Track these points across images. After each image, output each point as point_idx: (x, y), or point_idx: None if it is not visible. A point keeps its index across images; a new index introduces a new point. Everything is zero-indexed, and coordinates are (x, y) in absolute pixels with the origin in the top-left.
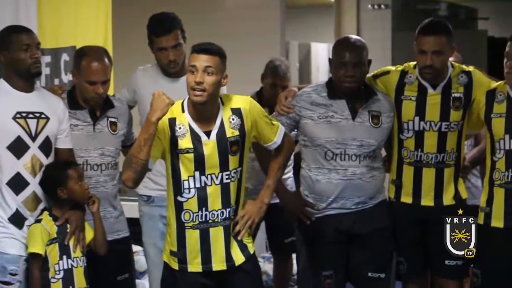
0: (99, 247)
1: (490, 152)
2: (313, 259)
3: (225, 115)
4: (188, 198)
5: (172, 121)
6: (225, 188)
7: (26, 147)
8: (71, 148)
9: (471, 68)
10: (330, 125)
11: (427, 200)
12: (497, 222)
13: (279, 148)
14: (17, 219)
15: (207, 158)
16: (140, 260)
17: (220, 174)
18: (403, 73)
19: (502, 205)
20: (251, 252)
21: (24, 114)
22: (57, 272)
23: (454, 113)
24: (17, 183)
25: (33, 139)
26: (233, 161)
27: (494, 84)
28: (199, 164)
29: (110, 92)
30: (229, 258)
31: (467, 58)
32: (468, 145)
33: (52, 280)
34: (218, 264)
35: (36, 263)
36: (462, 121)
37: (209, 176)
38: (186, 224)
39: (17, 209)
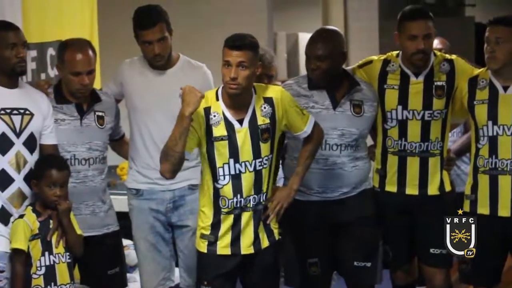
0: (74, 250)
1: (475, 140)
2: (298, 246)
3: (257, 104)
4: (223, 185)
5: (207, 110)
6: (258, 175)
7: (10, 144)
8: (55, 144)
9: (453, 56)
10: None
11: (412, 189)
12: (483, 209)
13: (309, 137)
14: (2, 216)
15: (241, 146)
16: (130, 254)
17: (254, 161)
18: (386, 62)
19: (487, 192)
20: (276, 238)
21: (8, 111)
22: (39, 268)
23: (437, 102)
24: (2, 180)
25: (18, 135)
26: (265, 148)
27: (477, 71)
28: (233, 151)
29: (97, 86)
30: (257, 242)
31: (455, 45)
32: (458, 132)
33: (34, 276)
34: (246, 248)
35: (18, 259)
36: (446, 109)
37: (243, 164)
38: (222, 210)
39: (2, 206)
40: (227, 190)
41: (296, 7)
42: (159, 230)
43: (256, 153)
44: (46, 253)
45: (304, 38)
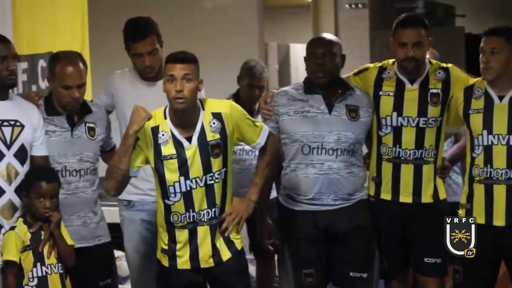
0: (65, 261)
1: (470, 149)
2: (293, 256)
3: (205, 120)
4: (175, 202)
5: (155, 129)
6: (209, 189)
7: (1, 155)
8: (46, 156)
9: (449, 65)
10: (306, 119)
11: (405, 197)
12: (478, 218)
13: (263, 148)
14: None
15: (190, 163)
16: (122, 265)
17: (204, 177)
18: (382, 69)
19: (482, 201)
20: (239, 248)
21: None
22: (31, 280)
23: (432, 109)
24: None
25: (8, 147)
26: (216, 163)
27: (472, 80)
28: (183, 169)
29: (88, 97)
30: (215, 255)
31: (445, 55)
32: (448, 142)
33: (26, 287)
34: (205, 261)
35: (11, 271)
36: (441, 117)
37: (193, 180)
38: (175, 225)
39: None
40: (179, 206)
41: (287, 18)
42: (150, 241)
43: (207, 169)
44: (38, 264)
45: (295, 48)
